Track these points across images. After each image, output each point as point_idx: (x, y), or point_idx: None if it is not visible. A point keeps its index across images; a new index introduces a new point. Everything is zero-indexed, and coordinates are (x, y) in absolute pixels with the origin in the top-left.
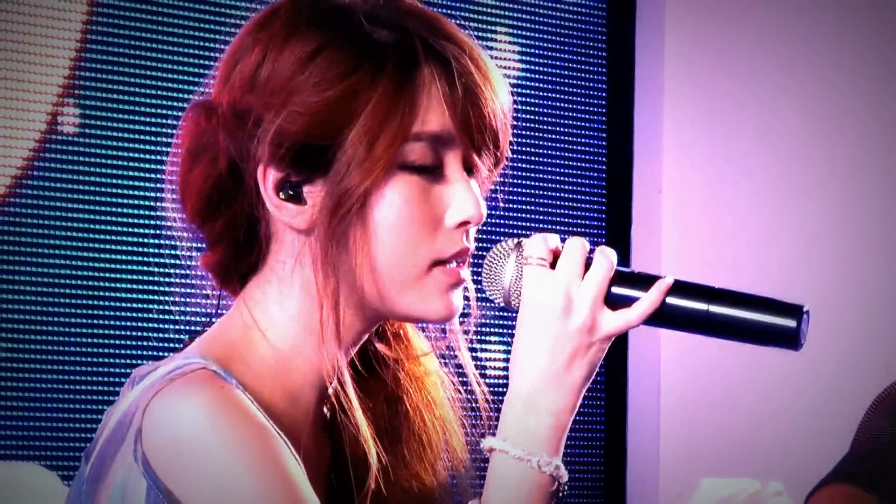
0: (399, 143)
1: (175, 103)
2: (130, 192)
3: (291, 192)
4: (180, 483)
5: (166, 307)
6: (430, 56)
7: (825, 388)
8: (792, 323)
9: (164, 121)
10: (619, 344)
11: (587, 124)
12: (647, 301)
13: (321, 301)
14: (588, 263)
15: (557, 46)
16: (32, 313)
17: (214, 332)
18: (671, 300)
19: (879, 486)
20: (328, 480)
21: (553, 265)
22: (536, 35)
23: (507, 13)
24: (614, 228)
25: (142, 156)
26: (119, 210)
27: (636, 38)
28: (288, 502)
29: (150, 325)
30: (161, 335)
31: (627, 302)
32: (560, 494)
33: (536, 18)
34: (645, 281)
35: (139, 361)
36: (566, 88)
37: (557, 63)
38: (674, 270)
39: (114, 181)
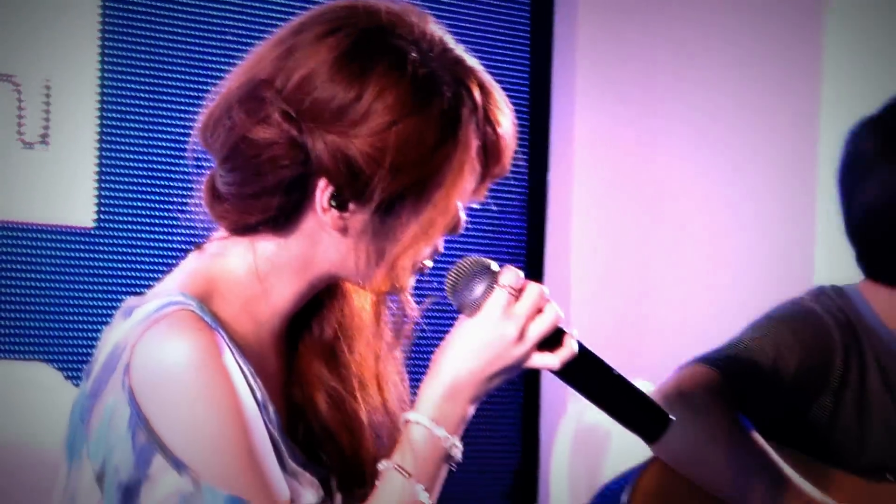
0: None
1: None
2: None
3: (338, 202)
4: (156, 414)
5: (167, 235)
6: (482, 119)
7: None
8: (659, 428)
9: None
10: None
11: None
12: (567, 351)
13: (356, 267)
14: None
15: (481, 44)
16: (39, 230)
17: (196, 267)
18: (584, 368)
19: (723, 367)
20: (285, 391)
21: (517, 298)
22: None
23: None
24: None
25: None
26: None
27: (554, 42)
28: (239, 445)
29: (151, 245)
30: (158, 258)
31: (552, 348)
32: (451, 464)
33: (459, 19)
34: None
35: (138, 275)
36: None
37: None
38: (586, 240)
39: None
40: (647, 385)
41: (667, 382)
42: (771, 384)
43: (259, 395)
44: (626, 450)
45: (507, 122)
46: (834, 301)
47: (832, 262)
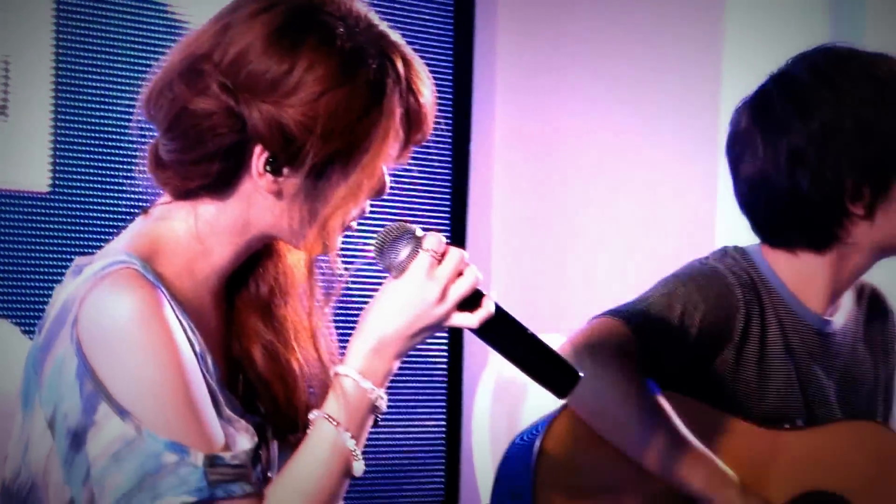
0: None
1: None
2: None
3: (273, 167)
4: (101, 364)
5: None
6: (405, 89)
7: None
8: (568, 384)
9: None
10: None
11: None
12: (485, 312)
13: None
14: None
15: (407, 18)
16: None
17: (141, 229)
18: (500, 328)
19: (632, 321)
20: (225, 345)
21: (439, 262)
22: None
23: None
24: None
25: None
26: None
27: (475, 16)
28: (178, 393)
29: (101, 209)
30: (109, 221)
31: (471, 309)
32: (377, 414)
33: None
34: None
35: (90, 237)
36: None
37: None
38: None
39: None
40: (561, 338)
41: (578, 333)
42: (677, 338)
43: (198, 347)
44: (542, 400)
45: (427, 91)
46: (737, 261)
47: (732, 228)
